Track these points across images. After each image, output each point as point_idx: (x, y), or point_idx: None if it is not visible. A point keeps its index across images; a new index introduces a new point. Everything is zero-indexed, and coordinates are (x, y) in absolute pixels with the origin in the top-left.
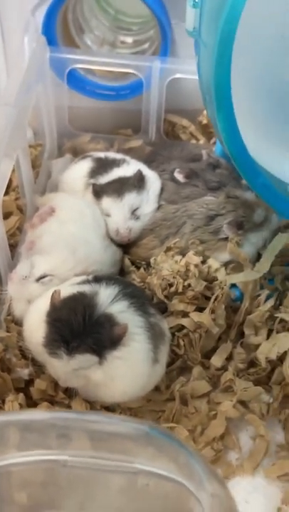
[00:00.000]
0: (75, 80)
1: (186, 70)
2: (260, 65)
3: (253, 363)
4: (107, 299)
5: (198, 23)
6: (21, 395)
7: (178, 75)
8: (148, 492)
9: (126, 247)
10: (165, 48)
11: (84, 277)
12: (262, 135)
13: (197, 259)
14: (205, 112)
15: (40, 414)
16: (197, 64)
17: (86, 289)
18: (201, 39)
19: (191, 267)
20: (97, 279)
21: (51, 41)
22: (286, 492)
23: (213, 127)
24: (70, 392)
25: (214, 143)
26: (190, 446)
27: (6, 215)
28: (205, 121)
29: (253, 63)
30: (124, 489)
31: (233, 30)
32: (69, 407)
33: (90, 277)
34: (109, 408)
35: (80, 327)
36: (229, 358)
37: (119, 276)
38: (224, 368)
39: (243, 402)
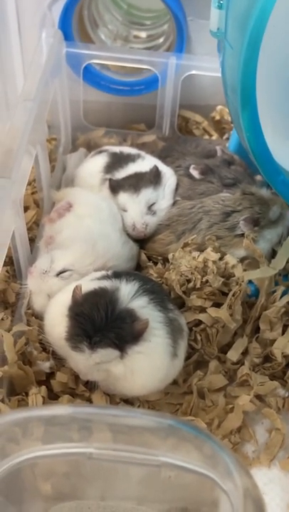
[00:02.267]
0: (90, 75)
1: (202, 66)
2: (278, 62)
3: (268, 358)
4: (128, 294)
5: (224, 25)
6: (44, 388)
7: (194, 72)
8: (170, 483)
9: (142, 242)
10: (181, 44)
11: (103, 273)
12: (279, 134)
13: (215, 256)
14: (218, 107)
15: (62, 409)
16: (221, 63)
17: (107, 284)
18: (227, 41)
19: (209, 264)
20: (117, 275)
21: (67, 36)
22: None
23: (234, 124)
24: (90, 385)
25: (227, 138)
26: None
27: (23, 210)
28: (218, 117)
29: (272, 61)
30: (146, 480)
31: (260, 35)
32: (89, 399)
33: (110, 273)
34: (129, 401)
35: (102, 322)
36: (245, 352)
37: (138, 272)
38: (240, 363)
39: (259, 396)
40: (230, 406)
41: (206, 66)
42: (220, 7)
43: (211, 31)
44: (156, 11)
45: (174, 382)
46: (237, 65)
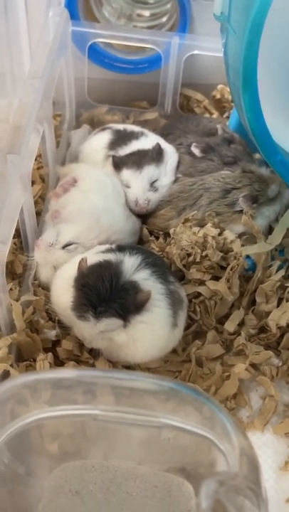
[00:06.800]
0: (95, 53)
1: (204, 46)
2: (279, 46)
3: (263, 329)
4: (132, 267)
5: (228, 9)
6: (50, 355)
7: (196, 52)
8: (169, 445)
9: (144, 217)
10: (184, 24)
11: (108, 246)
12: (278, 114)
13: (215, 231)
14: (219, 86)
15: (68, 372)
16: (223, 45)
17: (111, 257)
18: (230, 25)
19: (209, 239)
20: (121, 249)
21: (73, 14)
22: None
23: (235, 104)
24: (94, 353)
25: (227, 117)
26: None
27: None
28: (218, 96)
29: (273, 45)
30: (146, 442)
31: (263, 19)
32: (93, 366)
33: (114, 246)
34: (130, 368)
35: (106, 293)
36: (241, 323)
37: (140, 246)
38: (237, 333)
39: (254, 365)
40: (227, 374)
41: (208, 46)
42: None
43: (214, 15)
44: None
45: (174, 351)
46: (239, 49)
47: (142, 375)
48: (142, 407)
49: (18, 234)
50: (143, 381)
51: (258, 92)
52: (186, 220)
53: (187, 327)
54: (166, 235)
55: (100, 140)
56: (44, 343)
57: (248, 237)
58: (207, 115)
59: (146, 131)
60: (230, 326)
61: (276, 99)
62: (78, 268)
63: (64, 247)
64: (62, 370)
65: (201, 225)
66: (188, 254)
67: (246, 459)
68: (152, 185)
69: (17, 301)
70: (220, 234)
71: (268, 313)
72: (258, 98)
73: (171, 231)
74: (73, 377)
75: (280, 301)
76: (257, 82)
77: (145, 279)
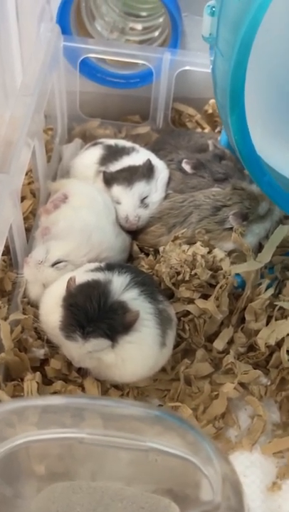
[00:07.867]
0: (87, 68)
1: (196, 62)
2: (268, 65)
3: (252, 348)
4: (120, 286)
5: (216, 31)
6: (38, 374)
7: (187, 67)
8: (156, 466)
9: (134, 233)
10: (175, 39)
11: (97, 264)
12: (268, 133)
13: (204, 250)
14: (211, 101)
15: (57, 400)
16: (212, 65)
17: (100, 276)
18: (218, 47)
19: (198, 257)
20: (110, 267)
21: (65, 28)
22: (281, 467)
23: (223, 123)
24: (82, 372)
25: (219, 132)
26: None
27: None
28: (210, 111)
29: (262, 64)
30: (134, 463)
31: (250, 43)
32: (81, 385)
33: (103, 265)
34: (119, 387)
35: (95, 313)
36: (230, 342)
37: (130, 265)
38: (226, 352)
39: (242, 384)
40: (215, 393)
41: (199, 62)
42: (212, 14)
43: (203, 36)
44: (152, 2)
45: (163, 370)
46: (227, 68)
47: (130, 402)
48: (129, 430)
49: (7, 251)
50: (130, 409)
51: (245, 113)
52: (176, 238)
53: (176, 345)
54: (157, 251)
55: (91, 155)
56: (32, 361)
57: (237, 255)
58: (199, 130)
59: (137, 146)
60: (219, 344)
61: (266, 117)
62: (67, 287)
63: (53, 264)
64: (50, 398)
65: (191, 242)
66: (178, 273)
67: (229, 485)
68: (143, 201)
69: (5, 319)
70: (209, 252)
71: (257, 332)
72: (246, 119)
73: (161, 249)
74: (61, 405)
75: (269, 319)
76: (244, 103)
77: (134, 298)
